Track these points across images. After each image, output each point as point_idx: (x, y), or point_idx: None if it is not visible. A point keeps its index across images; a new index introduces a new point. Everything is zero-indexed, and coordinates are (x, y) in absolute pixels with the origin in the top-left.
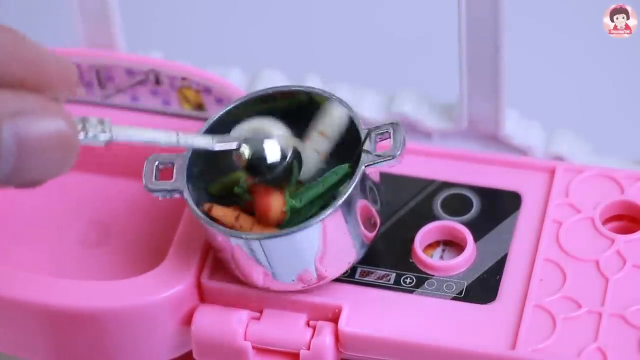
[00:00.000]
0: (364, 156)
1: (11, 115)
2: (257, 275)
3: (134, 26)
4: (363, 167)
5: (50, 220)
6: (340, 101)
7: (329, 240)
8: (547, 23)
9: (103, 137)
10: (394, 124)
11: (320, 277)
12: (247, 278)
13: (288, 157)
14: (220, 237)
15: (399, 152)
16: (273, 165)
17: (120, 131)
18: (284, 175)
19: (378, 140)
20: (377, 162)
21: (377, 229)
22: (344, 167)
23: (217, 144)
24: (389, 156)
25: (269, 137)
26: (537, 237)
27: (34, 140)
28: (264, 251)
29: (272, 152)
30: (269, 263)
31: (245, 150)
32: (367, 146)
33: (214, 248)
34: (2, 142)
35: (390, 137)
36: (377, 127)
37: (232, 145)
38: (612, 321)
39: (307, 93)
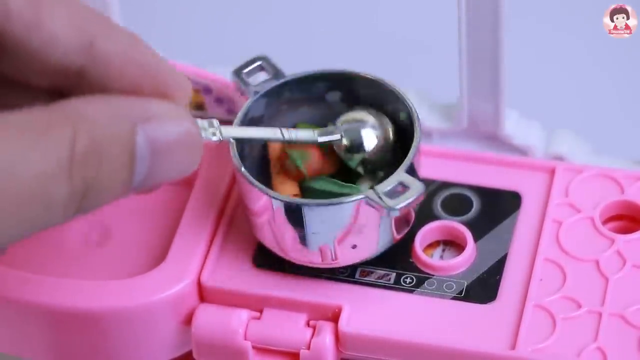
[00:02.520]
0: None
1: (143, 120)
2: (288, 241)
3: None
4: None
5: None
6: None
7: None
8: (547, 23)
9: (215, 138)
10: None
11: (336, 258)
12: (276, 243)
13: (384, 142)
14: (264, 197)
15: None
16: (370, 151)
17: (229, 131)
18: (381, 159)
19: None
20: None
21: (406, 230)
22: (358, 190)
23: (319, 137)
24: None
25: (365, 126)
26: (537, 237)
27: (165, 143)
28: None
29: (369, 139)
30: (306, 229)
31: (345, 141)
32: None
33: (247, 210)
34: (137, 147)
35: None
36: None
37: (336, 137)
38: (612, 321)
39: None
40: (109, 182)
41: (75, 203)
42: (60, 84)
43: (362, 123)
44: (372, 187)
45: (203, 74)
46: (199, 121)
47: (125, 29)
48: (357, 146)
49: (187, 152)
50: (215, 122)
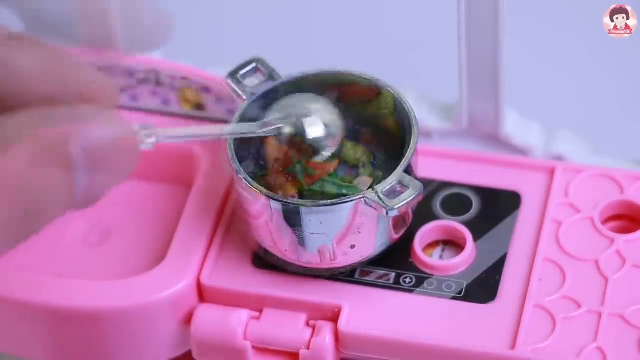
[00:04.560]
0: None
1: (75, 129)
2: (285, 243)
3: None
4: (408, 161)
5: None
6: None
7: (358, 222)
8: (547, 23)
9: (151, 140)
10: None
11: (335, 258)
12: (272, 245)
13: (332, 132)
14: (262, 200)
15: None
16: (316, 141)
17: (166, 133)
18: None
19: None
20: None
21: (403, 230)
22: (357, 191)
23: (258, 129)
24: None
25: (308, 114)
26: (536, 237)
27: (100, 148)
28: (302, 217)
29: (314, 129)
30: (304, 230)
31: (287, 131)
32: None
33: (245, 213)
34: (72, 156)
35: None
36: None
37: (275, 132)
38: (612, 321)
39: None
40: (49, 201)
41: (16, 228)
42: None
43: (304, 111)
44: (371, 186)
45: (202, 74)
46: (133, 126)
47: (43, 44)
48: (300, 135)
49: (123, 155)
50: (150, 125)
